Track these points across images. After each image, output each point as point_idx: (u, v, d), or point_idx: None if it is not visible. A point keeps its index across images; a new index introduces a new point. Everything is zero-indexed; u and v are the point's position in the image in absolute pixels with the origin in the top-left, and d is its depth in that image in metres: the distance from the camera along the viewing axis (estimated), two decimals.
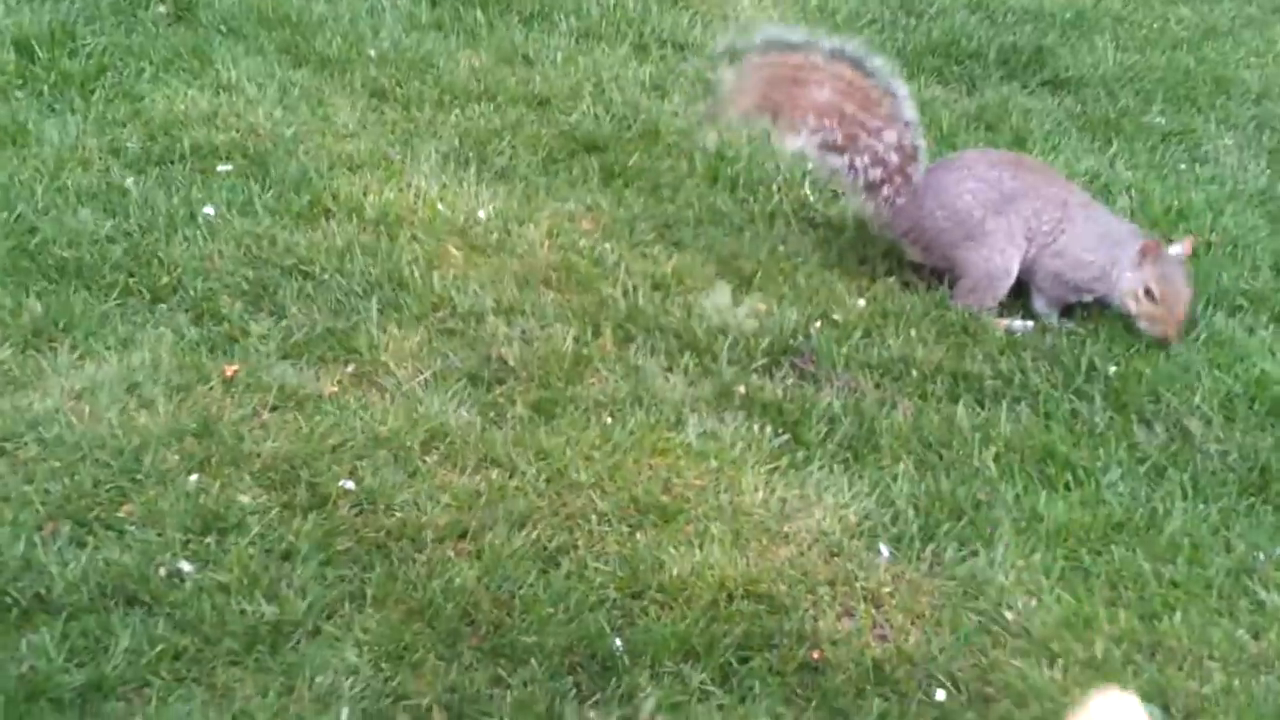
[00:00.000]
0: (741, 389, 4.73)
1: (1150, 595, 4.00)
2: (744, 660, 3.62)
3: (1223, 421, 4.87)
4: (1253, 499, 4.45)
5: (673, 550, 3.95)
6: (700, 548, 3.97)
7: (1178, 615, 3.93)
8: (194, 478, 3.96)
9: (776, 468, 4.37)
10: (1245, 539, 4.29)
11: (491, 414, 4.45)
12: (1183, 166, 6.72)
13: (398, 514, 3.94)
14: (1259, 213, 6.28)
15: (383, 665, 3.46)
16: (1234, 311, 5.54)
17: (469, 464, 4.21)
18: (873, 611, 3.85)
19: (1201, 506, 4.39)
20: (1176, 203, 6.26)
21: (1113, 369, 5.05)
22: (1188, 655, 3.80)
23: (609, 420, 4.48)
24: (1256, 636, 3.90)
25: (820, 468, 4.38)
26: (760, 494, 4.24)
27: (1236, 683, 3.71)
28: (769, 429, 4.53)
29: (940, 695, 3.58)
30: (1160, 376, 5.03)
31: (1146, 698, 3.61)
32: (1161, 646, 3.82)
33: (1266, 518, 4.41)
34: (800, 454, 4.44)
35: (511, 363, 4.71)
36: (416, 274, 5.06)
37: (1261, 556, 4.22)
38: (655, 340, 4.94)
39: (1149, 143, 6.91)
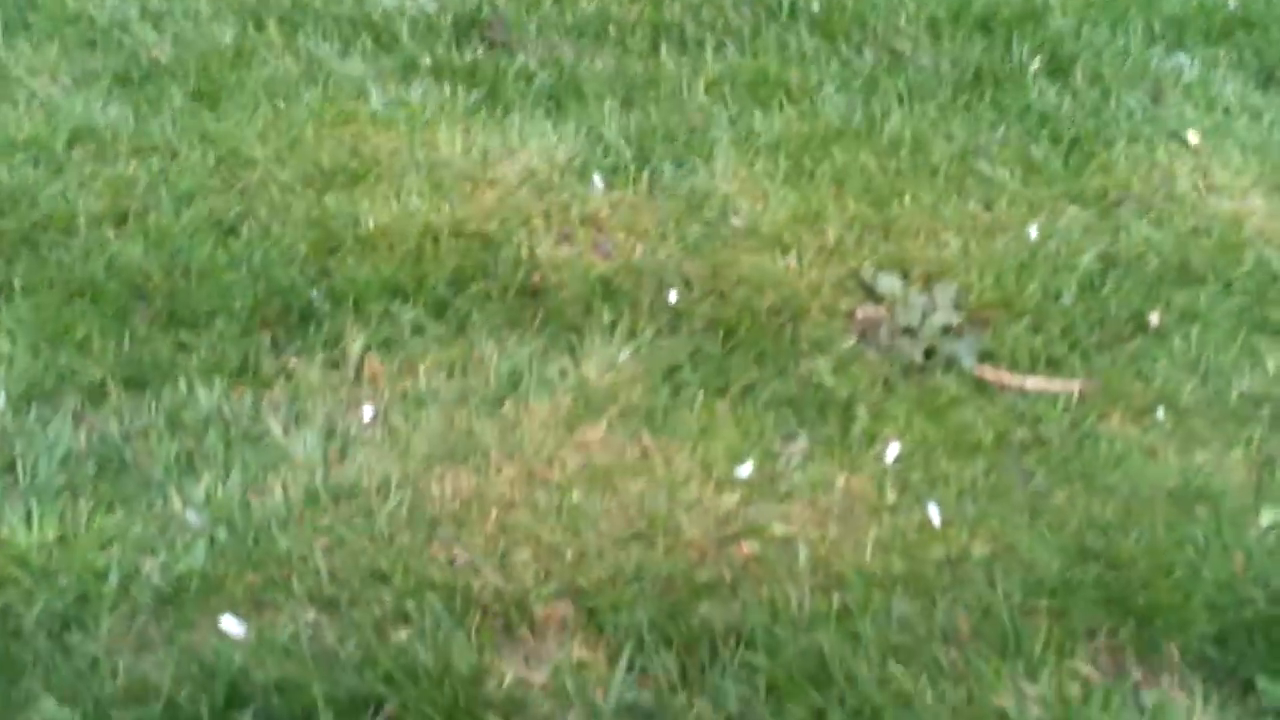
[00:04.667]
0: (428, 60, 4.30)
1: (877, 186, 3.79)
2: (459, 292, 3.26)
3: (930, 40, 4.67)
4: (968, 96, 4.28)
5: (368, 204, 3.55)
6: (398, 199, 3.58)
7: (907, 198, 3.73)
8: None
9: (474, 122, 3.98)
10: (965, 129, 4.10)
11: (145, 107, 3.93)
12: None
13: (43, 208, 3.42)
14: None
15: (42, 349, 2.99)
16: None
17: (122, 155, 3.71)
18: (593, 233, 3.54)
19: (919, 107, 4.18)
20: None
21: (816, 5, 4.78)
22: (921, 230, 3.61)
23: (282, 103, 4.00)
24: (988, 207, 3.74)
25: (522, 117, 4.01)
26: (459, 146, 3.86)
27: (973, 245, 3.53)
28: (462, 91, 4.13)
29: (673, 296, 3.29)
30: (865, 5, 4.80)
31: (885, 267, 3.41)
32: (894, 226, 3.62)
33: (984, 113, 4.25)
34: (499, 109, 4.06)
35: (165, 61, 4.18)
36: None
37: (982, 141, 4.05)
38: (327, 26, 4.46)
39: None
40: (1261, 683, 2.32)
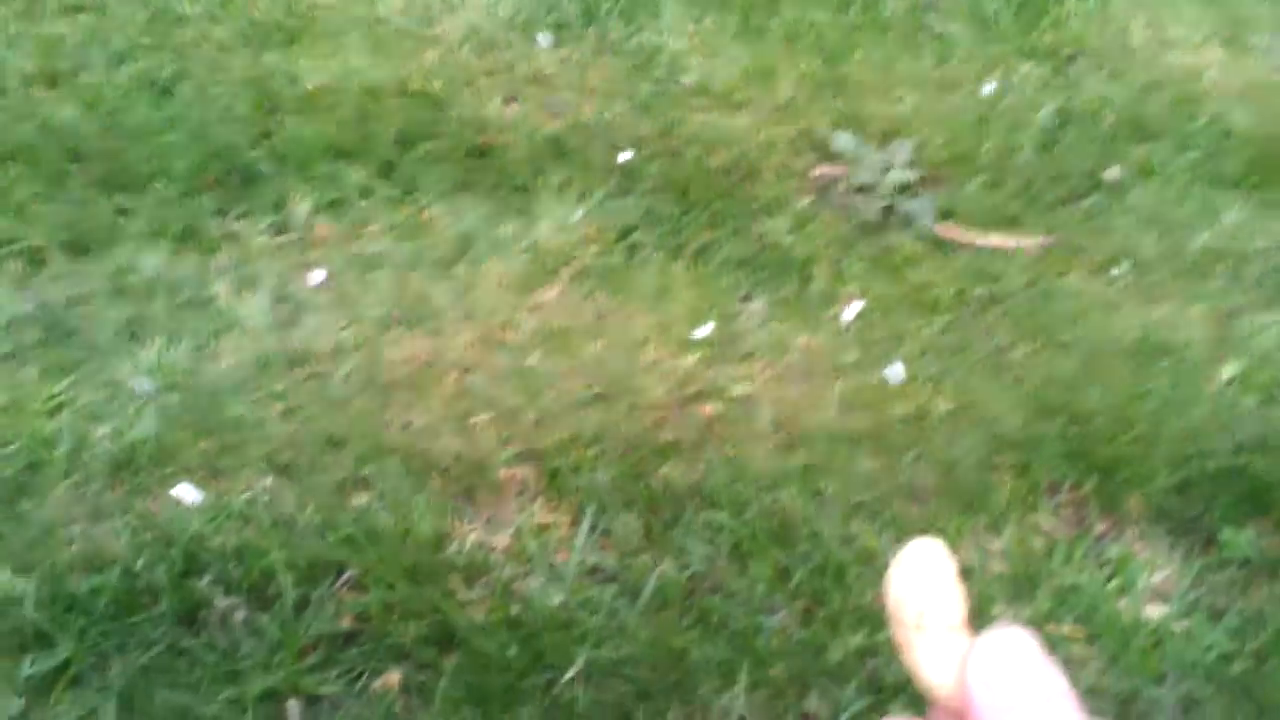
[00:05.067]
0: None
1: (829, 42, 3.71)
2: (406, 153, 3.16)
3: None
4: None
5: (307, 63, 3.43)
6: (338, 58, 3.46)
7: (859, 55, 3.66)
8: None
9: None
10: None
11: None
12: None
13: None
14: None
15: None
16: None
17: (51, 13, 3.56)
18: (541, 92, 3.44)
19: None
20: None
21: None
22: (875, 87, 3.54)
23: None
24: (942, 64, 3.68)
25: None
26: (398, 2, 3.74)
27: (928, 102, 3.48)
28: None
29: (624, 156, 3.22)
30: None
31: (840, 126, 3.35)
32: (848, 83, 3.55)
33: None
34: None
35: None
36: None
37: None
38: None
39: None
40: (1224, 534, 2.32)
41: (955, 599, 0.54)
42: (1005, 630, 0.50)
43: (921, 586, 0.54)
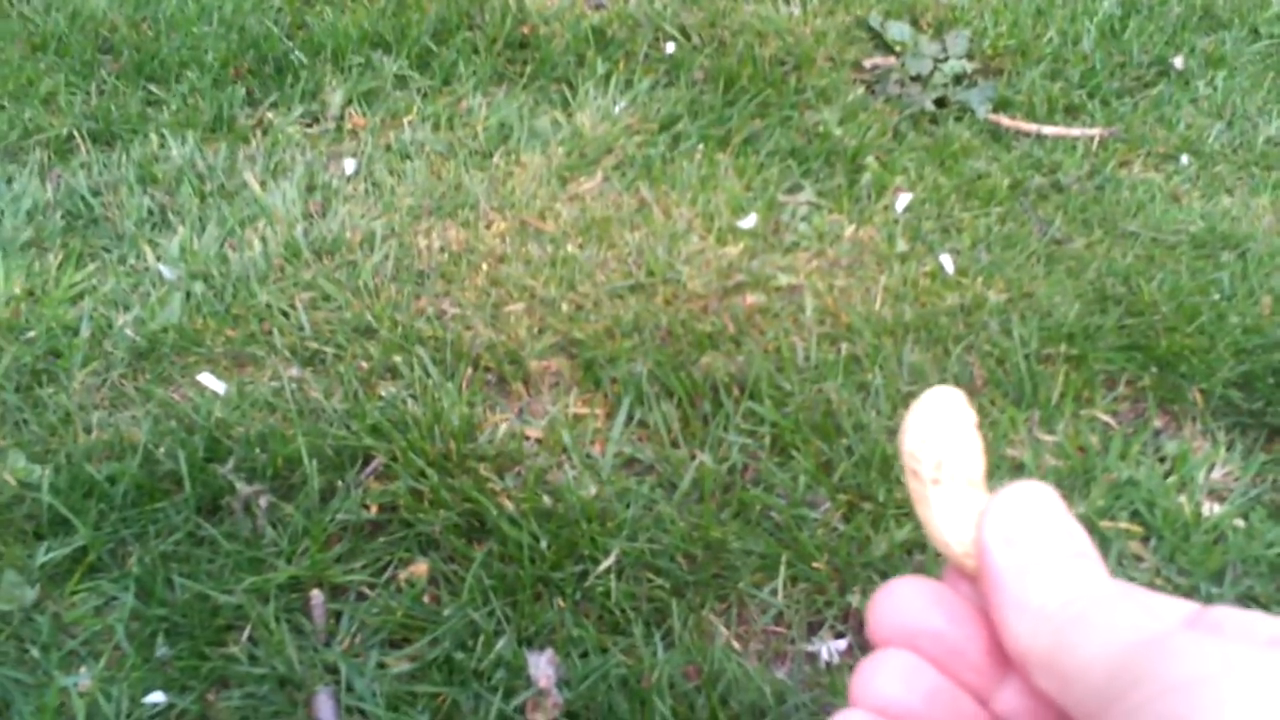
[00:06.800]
0: None
1: None
2: (443, 43, 3.07)
3: None
4: None
5: None
6: None
7: None
8: None
9: None
10: None
11: None
12: None
13: None
14: None
15: (5, 103, 2.81)
16: None
17: None
18: None
19: None
20: None
21: None
22: None
23: None
24: None
25: None
26: None
27: None
28: None
29: (670, 47, 3.10)
30: None
31: (894, 15, 3.21)
32: None
33: None
34: None
35: None
36: None
37: None
38: None
39: None
40: None
41: (975, 452, 0.49)
42: (1024, 484, 0.46)
43: (939, 437, 0.48)
